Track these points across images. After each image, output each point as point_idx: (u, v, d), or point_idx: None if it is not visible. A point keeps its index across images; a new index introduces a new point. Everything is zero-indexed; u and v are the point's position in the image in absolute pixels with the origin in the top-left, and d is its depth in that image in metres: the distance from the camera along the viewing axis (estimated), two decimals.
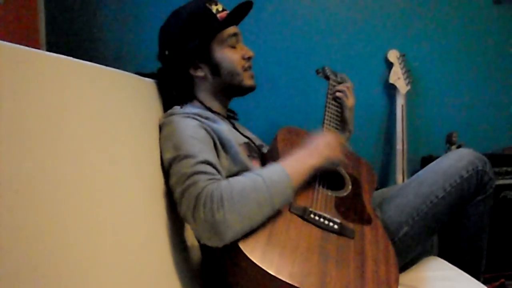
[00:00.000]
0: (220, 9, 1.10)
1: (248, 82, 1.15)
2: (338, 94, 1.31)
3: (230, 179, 0.86)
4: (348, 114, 1.31)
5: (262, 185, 0.83)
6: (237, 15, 1.11)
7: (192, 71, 1.12)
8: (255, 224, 0.81)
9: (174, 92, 1.12)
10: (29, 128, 0.51)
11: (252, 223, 0.80)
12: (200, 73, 1.12)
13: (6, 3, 1.36)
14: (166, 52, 1.12)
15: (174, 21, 1.12)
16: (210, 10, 1.09)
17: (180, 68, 1.12)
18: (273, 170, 0.89)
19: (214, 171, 0.87)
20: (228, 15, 1.09)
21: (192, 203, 0.80)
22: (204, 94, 1.16)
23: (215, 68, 1.11)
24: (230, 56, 1.11)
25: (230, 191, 0.80)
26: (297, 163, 0.94)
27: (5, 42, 0.50)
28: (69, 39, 1.70)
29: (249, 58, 1.15)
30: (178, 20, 1.11)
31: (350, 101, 1.31)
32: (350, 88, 1.32)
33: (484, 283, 1.04)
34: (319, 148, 0.99)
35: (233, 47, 1.13)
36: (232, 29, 1.12)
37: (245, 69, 1.14)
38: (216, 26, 1.08)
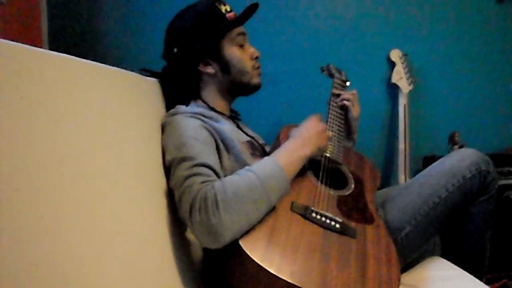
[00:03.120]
0: (228, 9, 1.13)
1: (255, 80, 1.17)
2: (345, 103, 1.30)
3: (223, 179, 0.85)
4: (353, 124, 1.31)
5: (256, 181, 0.83)
6: (245, 16, 1.13)
7: (201, 68, 1.13)
8: (254, 221, 0.81)
9: (180, 88, 1.12)
10: (30, 127, 0.51)
11: (250, 221, 0.80)
12: (210, 70, 1.13)
13: (8, 2, 1.36)
14: (175, 50, 1.13)
15: (183, 20, 1.13)
16: (220, 10, 1.11)
17: (189, 65, 1.12)
18: (266, 164, 0.88)
19: (210, 172, 0.87)
20: (240, 14, 1.12)
21: (188, 207, 0.80)
22: (209, 93, 1.16)
23: (225, 65, 1.13)
24: (239, 54, 1.14)
25: (224, 191, 0.79)
26: (289, 154, 0.93)
27: (7, 41, 0.50)
28: (71, 38, 1.70)
29: (257, 58, 1.18)
30: (187, 18, 1.13)
31: (356, 110, 1.30)
32: (355, 95, 1.32)
33: (486, 283, 1.04)
34: (310, 138, 0.99)
35: (242, 46, 1.15)
36: (240, 29, 1.15)
37: (254, 68, 1.17)
38: (226, 24, 1.10)
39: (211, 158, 0.91)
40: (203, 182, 0.83)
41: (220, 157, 0.98)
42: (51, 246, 0.49)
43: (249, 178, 0.84)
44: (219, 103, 1.17)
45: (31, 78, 0.53)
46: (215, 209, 0.77)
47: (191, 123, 0.97)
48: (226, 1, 1.16)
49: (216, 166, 0.90)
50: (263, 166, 0.88)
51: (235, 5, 1.17)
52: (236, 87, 1.16)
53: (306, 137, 0.99)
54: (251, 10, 1.14)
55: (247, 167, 0.89)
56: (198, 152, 0.89)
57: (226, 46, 1.13)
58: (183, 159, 0.88)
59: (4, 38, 0.49)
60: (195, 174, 0.84)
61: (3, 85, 0.47)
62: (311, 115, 1.07)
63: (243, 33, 1.16)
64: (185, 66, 1.12)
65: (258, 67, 1.18)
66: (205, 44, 1.10)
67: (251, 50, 1.17)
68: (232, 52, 1.13)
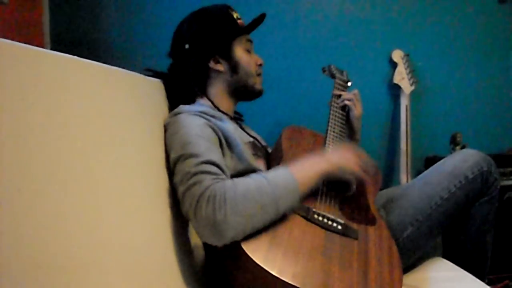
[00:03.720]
0: (239, 16, 1.20)
1: (259, 86, 1.21)
2: (347, 102, 1.30)
3: (235, 179, 0.85)
4: (356, 124, 1.31)
5: (267, 188, 0.83)
6: (255, 24, 1.19)
7: (211, 64, 1.15)
8: (258, 226, 0.80)
9: (188, 83, 1.15)
10: (32, 127, 0.51)
11: (254, 225, 0.80)
12: (219, 67, 1.16)
13: (11, 2, 1.36)
14: (186, 46, 1.15)
15: (196, 19, 1.17)
16: (232, 15, 1.17)
17: (200, 60, 1.15)
18: (280, 174, 0.88)
19: (218, 171, 0.87)
20: (251, 22, 1.18)
21: (195, 201, 0.80)
22: (215, 91, 1.17)
23: (234, 65, 1.16)
24: (247, 58, 1.18)
25: (234, 191, 0.80)
26: (305, 168, 0.92)
27: (9, 41, 0.50)
28: (73, 38, 1.71)
29: (260, 65, 1.22)
30: (200, 18, 1.17)
31: (358, 110, 1.31)
32: (357, 95, 1.32)
33: (488, 284, 1.04)
34: (330, 156, 0.98)
35: (249, 52, 1.20)
36: (248, 36, 1.21)
37: (257, 74, 1.21)
38: (238, 28, 1.16)
39: (217, 156, 0.91)
40: (214, 178, 0.83)
41: (223, 155, 0.98)
42: (52, 246, 0.49)
43: (261, 183, 0.84)
44: (224, 103, 1.17)
45: (33, 78, 0.53)
46: (222, 206, 0.77)
47: (195, 121, 0.97)
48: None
49: (222, 164, 0.90)
50: (278, 175, 0.88)
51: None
52: (241, 89, 1.18)
53: (329, 154, 1.00)
54: (260, 19, 1.19)
55: (261, 172, 0.89)
56: (203, 150, 0.89)
57: (236, 48, 1.16)
58: (189, 156, 0.88)
59: (6, 38, 0.49)
60: (204, 172, 0.84)
61: (4, 85, 0.47)
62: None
63: (250, 40, 1.21)
64: (196, 61, 1.15)
65: (260, 74, 1.22)
66: (218, 42, 1.14)
67: (256, 57, 1.21)
68: (241, 54, 1.17)
